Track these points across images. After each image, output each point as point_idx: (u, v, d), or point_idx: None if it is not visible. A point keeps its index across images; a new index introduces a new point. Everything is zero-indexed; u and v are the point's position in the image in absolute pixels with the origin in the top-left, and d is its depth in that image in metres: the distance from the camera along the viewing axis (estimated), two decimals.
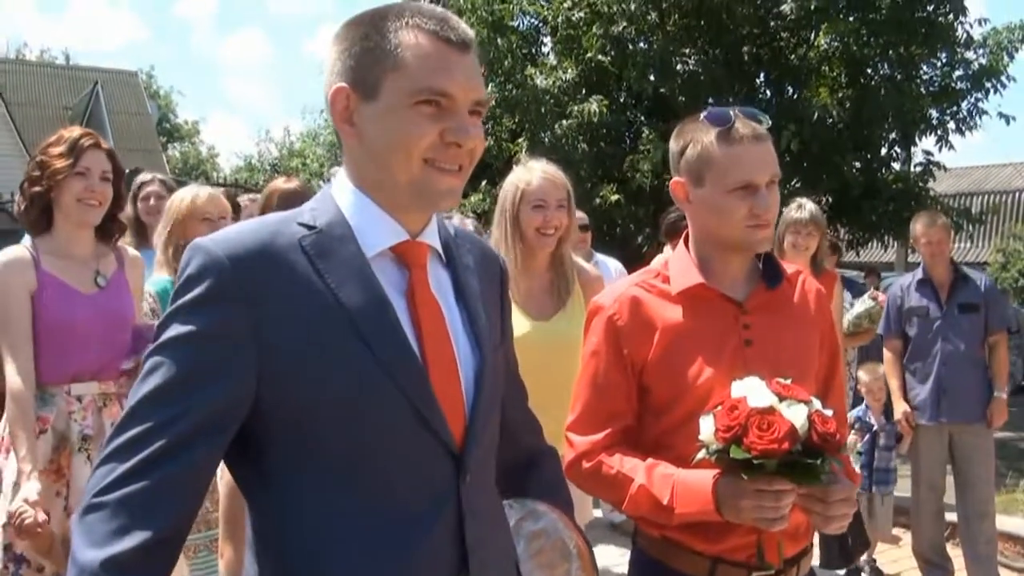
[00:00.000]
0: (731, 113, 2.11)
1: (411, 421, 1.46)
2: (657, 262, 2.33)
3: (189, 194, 3.95)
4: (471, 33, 1.53)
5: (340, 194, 1.55)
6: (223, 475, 2.57)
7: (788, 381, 1.89)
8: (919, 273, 5.77)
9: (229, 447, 1.44)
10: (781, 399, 1.83)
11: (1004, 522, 5.97)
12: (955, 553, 5.82)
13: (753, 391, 1.85)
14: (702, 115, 2.15)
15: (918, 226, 5.68)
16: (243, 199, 5.65)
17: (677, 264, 2.21)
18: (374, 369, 1.43)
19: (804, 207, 5.25)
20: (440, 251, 1.62)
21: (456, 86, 1.46)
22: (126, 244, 5.05)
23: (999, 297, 5.90)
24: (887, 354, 5.89)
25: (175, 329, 1.40)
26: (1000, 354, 5.60)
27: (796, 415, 1.80)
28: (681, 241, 2.26)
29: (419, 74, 1.44)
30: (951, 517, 5.88)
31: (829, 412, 1.87)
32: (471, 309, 1.61)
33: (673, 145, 2.21)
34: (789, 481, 1.84)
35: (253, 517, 1.51)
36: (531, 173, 3.46)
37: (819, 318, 2.26)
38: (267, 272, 1.42)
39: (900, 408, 5.72)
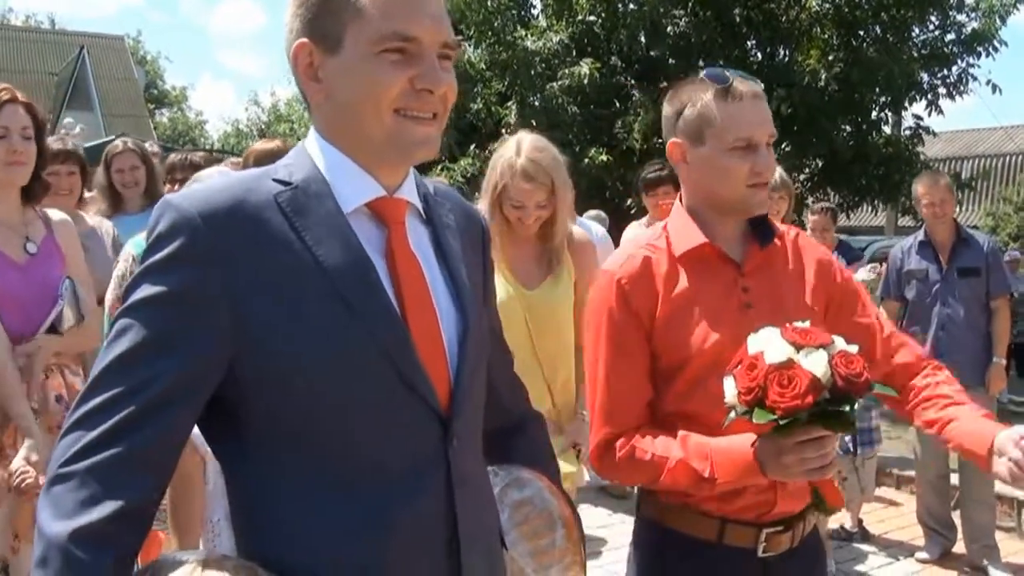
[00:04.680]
0: (727, 73, 2.09)
1: (395, 384, 1.40)
2: (656, 226, 2.27)
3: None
4: None
5: (314, 150, 1.48)
6: None
7: (806, 324, 1.81)
8: (920, 235, 5.63)
9: (207, 418, 1.39)
10: (798, 348, 1.75)
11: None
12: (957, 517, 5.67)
13: (769, 344, 1.77)
14: (701, 74, 2.12)
15: (919, 186, 5.54)
16: (226, 164, 5.50)
17: (676, 225, 2.17)
18: (355, 331, 1.37)
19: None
20: (420, 208, 1.55)
21: (421, 29, 1.39)
22: (100, 212, 4.95)
23: (1001, 261, 5.71)
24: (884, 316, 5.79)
25: (144, 290, 1.33)
26: (1001, 319, 5.45)
27: (816, 363, 1.71)
28: (676, 203, 2.22)
29: (381, 20, 1.37)
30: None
31: (854, 348, 1.78)
32: (452, 268, 1.54)
33: (668, 108, 2.17)
34: (823, 429, 1.78)
35: (232, 490, 1.46)
36: (513, 168, 3.17)
37: (819, 272, 2.21)
38: (241, 230, 1.35)
39: None
